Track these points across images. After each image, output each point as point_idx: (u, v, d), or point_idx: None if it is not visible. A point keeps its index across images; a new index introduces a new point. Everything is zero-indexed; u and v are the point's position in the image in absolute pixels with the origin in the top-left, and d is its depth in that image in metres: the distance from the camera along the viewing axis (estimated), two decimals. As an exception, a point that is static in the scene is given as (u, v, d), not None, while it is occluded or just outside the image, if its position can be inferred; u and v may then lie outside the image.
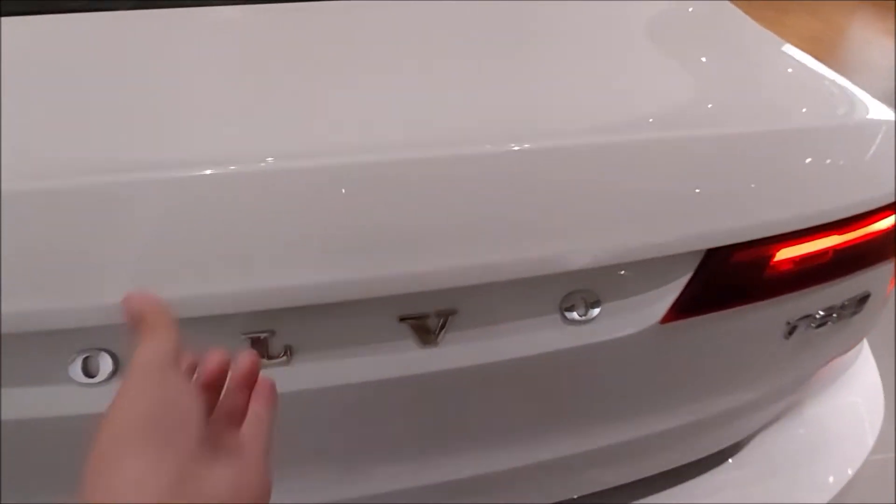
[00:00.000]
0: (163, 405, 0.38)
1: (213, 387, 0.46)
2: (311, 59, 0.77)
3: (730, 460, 0.97)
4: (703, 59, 0.88)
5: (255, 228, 0.59)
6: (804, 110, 0.81)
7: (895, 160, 0.78)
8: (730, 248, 0.70)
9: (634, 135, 0.68)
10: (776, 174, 0.72)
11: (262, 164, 0.59)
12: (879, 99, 0.84)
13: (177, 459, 0.36)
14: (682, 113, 0.75)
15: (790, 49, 0.94)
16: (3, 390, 0.60)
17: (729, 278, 0.72)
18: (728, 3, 1.01)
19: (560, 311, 0.70)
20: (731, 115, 0.75)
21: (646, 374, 0.78)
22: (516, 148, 0.64)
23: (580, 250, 0.65)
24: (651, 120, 0.72)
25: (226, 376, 0.47)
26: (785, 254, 0.72)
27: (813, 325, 0.82)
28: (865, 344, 1.13)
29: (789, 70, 0.90)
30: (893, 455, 1.67)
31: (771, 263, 0.72)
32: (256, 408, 0.46)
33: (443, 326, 0.67)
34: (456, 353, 0.68)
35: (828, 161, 0.75)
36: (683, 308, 0.71)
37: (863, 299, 0.85)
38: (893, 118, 0.81)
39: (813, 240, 0.73)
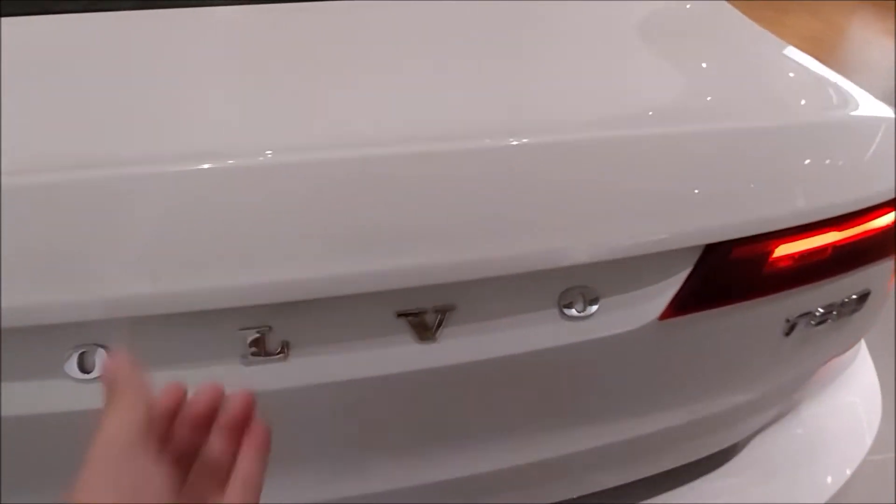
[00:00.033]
0: (129, 492, 0.36)
1: (201, 426, 0.43)
2: (310, 57, 0.77)
3: (728, 461, 0.97)
4: (702, 56, 0.88)
5: (251, 223, 0.59)
6: (803, 107, 0.81)
7: (895, 157, 0.78)
8: (728, 243, 0.69)
9: (632, 130, 0.68)
10: (775, 170, 0.72)
11: (260, 159, 0.59)
12: (879, 99, 0.84)
13: None
14: (680, 108, 0.75)
15: (788, 47, 0.94)
16: (-1, 386, 0.60)
17: (728, 274, 0.72)
18: (725, 2, 1.02)
19: (558, 307, 0.70)
20: (730, 111, 0.75)
21: (645, 371, 0.78)
22: (514, 143, 0.64)
23: (578, 245, 0.65)
24: (650, 114, 0.72)
25: (216, 412, 0.43)
26: (784, 250, 0.72)
27: (813, 322, 0.82)
28: (863, 344, 1.13)
29: (788, 67, 0.90)
30: (893, 455, 1.67)
31: (770, 259, 0.72)
32: (245, 465, 0.41)
33: (441, 322, 0.67)
34: (454, 349, 0.67)
35: (827, 157, 0.75)
36: (682, 304, 0.71)
37: (863, 297, 0.85)
38: (894, 115, 0.81)
39: (812, 236, 0.72)
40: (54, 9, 0.79)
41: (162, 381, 0.62)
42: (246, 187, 0.59)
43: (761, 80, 0.85)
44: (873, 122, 0.80)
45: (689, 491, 0.93)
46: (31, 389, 0.61)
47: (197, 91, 0.70)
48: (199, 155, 0.59)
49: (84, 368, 0.61)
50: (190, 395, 0.44)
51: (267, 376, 0.64)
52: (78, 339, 0.61)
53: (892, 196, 0.77)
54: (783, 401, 0.97)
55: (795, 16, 5.25)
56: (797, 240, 0.72)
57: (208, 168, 0.58)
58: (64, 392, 0.61)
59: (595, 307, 0.70)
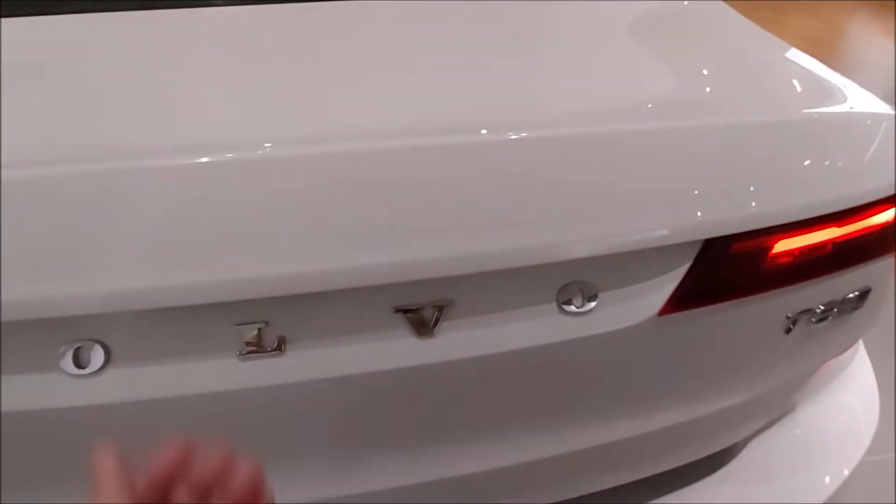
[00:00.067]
0: None
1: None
2: (310, 55, 0.77)
3: (727, 461, 0.97)
4: (701, 54, 0.88)
5: (248, 216, 0.58)
6: (803, 103, 0.81)
7: (895, 154, 0.77)
8: (727, 238, 0.69)
9: (632, 124, 0.68)
10: (774, 164, 0.72)
11: (258, 153, 0.59)
12: (879, 99, 0.84)
13: None
14: (678, 104, 0.75)
15: (786, 46, 0.94)
16: (-7, 381, 0.60)
17: (727, 269, 0.72)
18: (721, 2, 1.03)
19: (557, 302, 0.70)
20: (728, 107, 0.75)
21: (644, 368, 0.77)
22: (513, 136, 0.64)
23: (576, 240, 0.65)
24: (649, 107, 0.72)
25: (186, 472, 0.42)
26: (783, 245, 0.72)
27: (813, 320, 0.81)
28: (861, 345, 1.13)
29: (786, 65, 0.90)
30: (893, 455, 1.67)
31: (769, 255, 0.72)
32: None
33: (439, 317, 0.66)
34: (452, 344, 0.67)
35: (826, 153, 0.75)
36: (681, 300, 0.71)
37: (863, 295, 0.84)
38: (894, 112, 0.81)
39: (812, 231, 0.72)
40: (59, 9, 0.79)
41: (159, 377, 0.62)
42: (243, 181, 0.59)
43: (760, 78, 0.85)
44: (873, 118, 0.80)
45: (688, 492, 0.93)
46: (27, 385, 0.61)
47: (194, 88, 0.70)
48: (195, 148, 0.59)
49: (79, 364, 0.61)
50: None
51: (263, 372, 0.64)
52: (73, 334, 0.61)
53: (892, 192, 0.76)
54: (783, 400, 0.97)
55: (794, 16, 5.26)
56: (797, 235, 0.72)
57: (205, 162, 0.58)
58: (59, 387, 0.61)
59: (594, 303, 0.70)
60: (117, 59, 0.74)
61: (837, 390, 1.05)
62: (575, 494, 0.87)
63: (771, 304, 0.77)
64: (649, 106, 0.73)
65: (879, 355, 1.20)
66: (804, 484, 0.97)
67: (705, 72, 0.84)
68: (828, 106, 0.81)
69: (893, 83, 4.21)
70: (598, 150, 0.67)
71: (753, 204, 0.69)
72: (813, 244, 0.73)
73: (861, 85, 0.87)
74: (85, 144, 0.60)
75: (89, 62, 0.73)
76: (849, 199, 0.73)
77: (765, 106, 0.77)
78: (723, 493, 0.94)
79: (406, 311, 0.66)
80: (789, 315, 0.79)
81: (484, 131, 0.64)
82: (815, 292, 0.79)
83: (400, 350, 0.66)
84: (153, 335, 0.62)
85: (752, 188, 0.69)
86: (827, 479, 0.97)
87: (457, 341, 0.67)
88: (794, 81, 0.86)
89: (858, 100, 0.82)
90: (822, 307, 0.81)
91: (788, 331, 0.81)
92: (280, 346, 0.64)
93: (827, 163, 0.74)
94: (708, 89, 0.79)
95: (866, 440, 1.03)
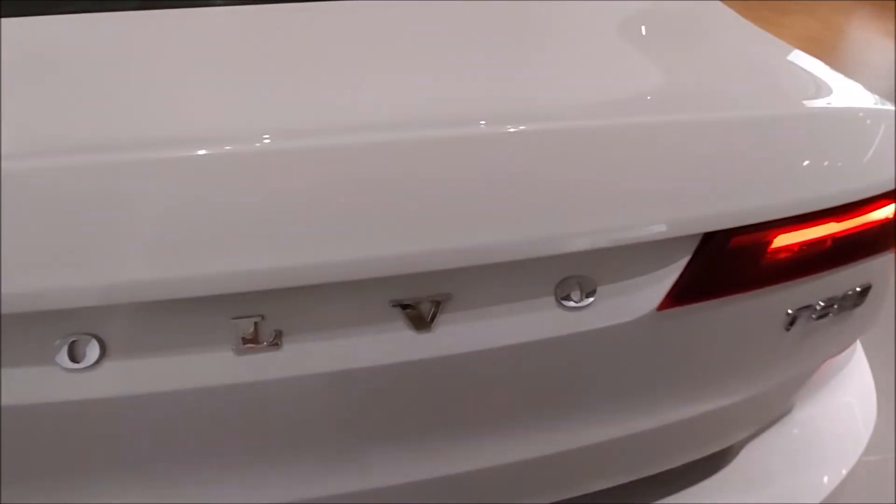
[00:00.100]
0: None
1: None
2: (311, 53, 0.78)
3: (726, 461, 0.96)
4: (701, 52, 0.88)
5: (244, 209, 0.58)
6: (803, 98, 0.81)
7: (895, 150, 0.77)
8: (727, 232, 0.69)
9: (631, 117, 0.68)
10: (773, 159, 0.71)
11: (256, 145, 0.59)
12: (879, 100, 0.85)
13: None
14: (678, 98, 0.75)
15: (785, 45, 0.95)
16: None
17: (726, 264, 0.72)
18: (719, 2, 1.03)
19: (555, 297, 0.70)
20: (728, 102, 0.75)
21: (643, 363, 0.77)
22: (512, 130, 0.63)
23: (575, 233, 0.65)
24: (647, 99, 0.72)
25: None
26: (783, 240, 0.72)
27: (814, 316, 0.81)
28: (858, 345, 1.13)
29: (785, 63, 0.90)
30: (893, 456, 1.67)
31: (769, 250, 0.72)
32: None
33: (436, 312, 0.66)
34: (450, 339, 0.67)
35: (825, 148, 0.74)
36: (681, 295, 0.71)
37: (863, 292, 0.84)
38: (893, 108, 0.81)
39: (811, 226, 0.72)
40: (60, 9, 0.79)
41: (155, 372, 0.62)
42: (239, 174, 0.58)
43: (758, 74, 0.85)
44: (872, 115, 0.80)
45: (687, 492, 0.93)
46: (21, 379, 0.61)
47: (192, 85, 0.70)
48: (191, 141, 0.59)
49: (74, 358, 0.61)
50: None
51: (259, 366, 0.63)
52: (68, 328, 0.60)
53: (892, 188, 0.76)
54: (783, 400, 0.97)
55: (793, 16, 5.27)
56: (796, 230, 0.72)
57: (201, 155, 0.58)
58: (54, 382, 0.61)
59: (592, 298, 0.70)
60: (117, 58, 0.74)
61: (835, 390, 1.05)
62: (573, 494, 0.86)
63: (771, 300, 0.77)
64: (648, 98, 0.73)
65: (878, 355, 1.20)
66: (802, 484, 0.97)
67: (704, 69, 0.84)
68: (827, 102, 0.81)
69: (893, 83, 4.22)
70: (597, 144, 0.66)
71: (753, 198, 0.69)
72: (812, 239, 0.73)
73: (860, 85, 0.87)
74: (80, 138, 0.60)
75: (89, 61, 0.73)
76: (848, 193, 0.73)
77: (764, 101, 0.77)
78: (721, 493, 0.94)
79: (403, 306, 0.66)
80: (790, 311, 0.79)
81: (482, 124, 0.64)
82: (816, 288, 0.79)
83: (397, 344, 0.66)
84: (149, 329, 0.62)
85: (751, 182, 0.69)
86: (825, 479, 0.97)
87: (454, 336, 0.67)
88: (793, 78, 0.87)
89: (858, 97, 0.83)
90: (822, 304, 0.81)
91: (789, 327, 0.80)
92: (276, 341, 0.64)
93: (827, 158, 0.74)
94: (707, 86, 0.79)
95: (864, 440, 1.03)
